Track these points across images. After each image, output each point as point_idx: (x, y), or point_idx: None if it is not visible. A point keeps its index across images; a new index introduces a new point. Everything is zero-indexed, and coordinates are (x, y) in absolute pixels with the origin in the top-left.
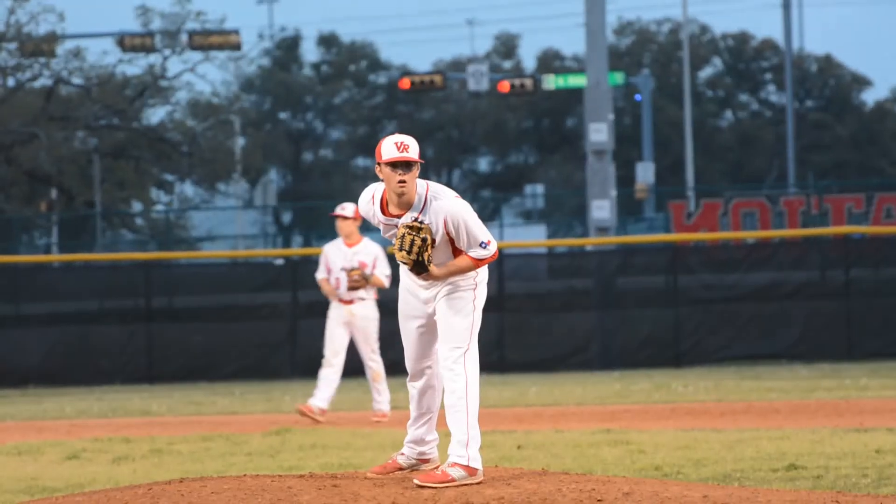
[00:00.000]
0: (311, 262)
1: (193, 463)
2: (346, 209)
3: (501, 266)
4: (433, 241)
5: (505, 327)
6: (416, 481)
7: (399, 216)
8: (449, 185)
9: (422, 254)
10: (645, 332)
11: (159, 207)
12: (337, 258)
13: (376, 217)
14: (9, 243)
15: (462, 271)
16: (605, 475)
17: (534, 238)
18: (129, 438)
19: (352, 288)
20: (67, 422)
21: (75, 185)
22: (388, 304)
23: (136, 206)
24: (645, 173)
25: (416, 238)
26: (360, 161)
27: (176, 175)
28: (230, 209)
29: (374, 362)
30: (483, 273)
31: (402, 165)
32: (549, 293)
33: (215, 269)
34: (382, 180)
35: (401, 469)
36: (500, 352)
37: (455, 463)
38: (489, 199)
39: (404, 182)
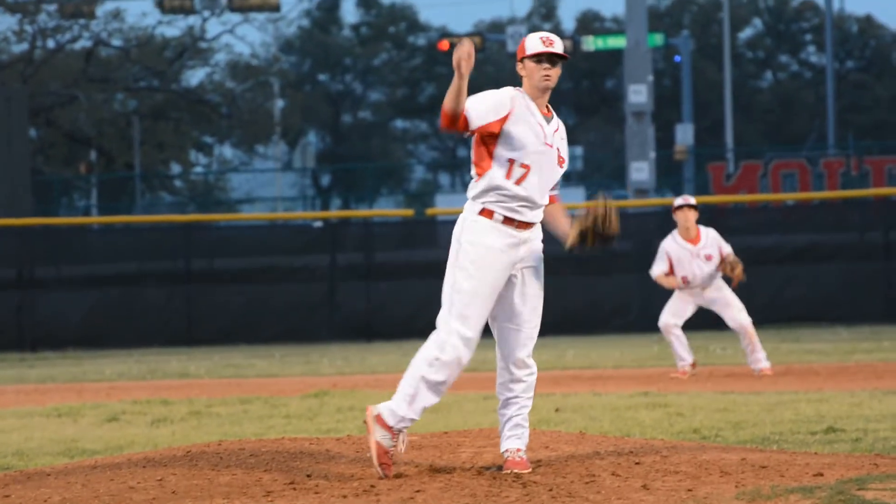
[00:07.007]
0: (350, 225)
1: (232, 425)
2: (688, 199)
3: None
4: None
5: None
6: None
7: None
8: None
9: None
10: None
11: (198, 169)
12: (682, 257)
13: (528, 113)
14: (48, 205)
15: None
16: (643, 438)
17: (572, 200)
18: (168, 401)
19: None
20: (107, 384)
21: (115, 147)
22: None
23: (176, 168)
24: (684, 135)
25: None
26: (399, 123)
27: (215, 137)
28: (269, 171)
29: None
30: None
31: (547, 59)
32: (588, 255)
33: (254, 231)
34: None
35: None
36: None
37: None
38: None
39: (549, 76)
